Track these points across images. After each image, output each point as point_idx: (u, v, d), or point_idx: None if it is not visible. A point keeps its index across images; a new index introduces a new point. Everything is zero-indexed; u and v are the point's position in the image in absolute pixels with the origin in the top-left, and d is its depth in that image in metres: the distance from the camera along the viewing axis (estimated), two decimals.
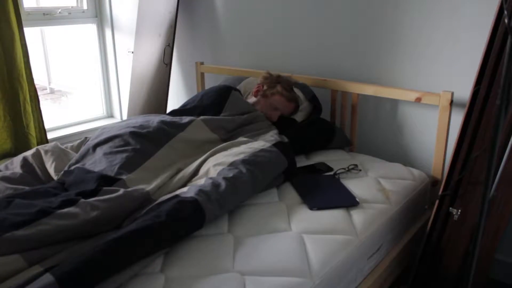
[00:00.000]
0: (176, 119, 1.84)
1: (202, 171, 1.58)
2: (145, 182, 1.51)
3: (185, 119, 1.84)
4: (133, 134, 1.67)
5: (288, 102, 2.08)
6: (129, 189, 1.42)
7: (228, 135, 1.88)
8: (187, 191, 1.39)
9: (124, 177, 1.50)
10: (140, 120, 1.81)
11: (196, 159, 1.69)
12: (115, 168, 1.52)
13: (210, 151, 1.68)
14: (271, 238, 1.33)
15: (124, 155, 1.58)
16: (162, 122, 1.77)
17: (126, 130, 1.69)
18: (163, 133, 1.72)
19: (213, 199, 1.35)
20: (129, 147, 1.62)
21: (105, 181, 1.46)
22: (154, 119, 1.80)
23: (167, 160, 1.65)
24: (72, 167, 1.58)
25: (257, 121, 1.98)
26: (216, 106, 1.99)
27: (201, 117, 1.88)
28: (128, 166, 1.55)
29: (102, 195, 1.36)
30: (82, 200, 1.31)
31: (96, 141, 1.68)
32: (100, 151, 1.63)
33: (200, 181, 1.48)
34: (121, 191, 1.38)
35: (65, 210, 1.25)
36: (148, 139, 1.68)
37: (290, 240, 1.32)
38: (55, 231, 1.19)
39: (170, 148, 1.69)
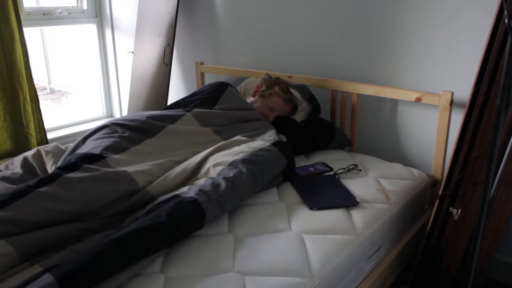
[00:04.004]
0: (166, 112, 1.85)
1: (202, 171, 1.58)
2: (129, 164, 1.51)
3: (176, 112, 1.85)
4: (121, 125, 1.71)
5: (285, 104, 2.09)
6: (109, 170, 1.42)
7: (222, 129, 1.87)
8: (187, 191, 1.39)
9: (108, 155, 1.50)
10: (128, 116, 1.83)
11: (189, 151, 1.69)
12: (100, 149, 1.54)
13: (210, 150, 1.67)
14: (271, 238, 1.33)
15: (111, 139, 1.61)
16: (151, 116, 1.79)
17: (114, 122, 1.74)
18: (152, 125, 1.74)
19: (213, 199, 1.35)
20: (117, 134, 1.65)
21: (88, 158, 1.47)
22: (143, 114, 1.82)
23: (156, 148, 1.66)
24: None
25: (255, 119, 1.98)
26: (211, 99, 2.01)
27: (193, 110, 1.89)
28: (114, 149, 1.56)
29: (81, 172, 1.37)
30: (60, 176, 1.32)
31: (85, 135, 1.71)
32: (89, 140, 1.66)
33: (200, 181, 1.48)
34: (101, 171, 1.39)
35: (43, 189, 1.26)
36: (137, 130, 1.70)
37: (290, 240, 1.32)
38: (36, 211, 1.20)
39: (159, 138, 1.71)
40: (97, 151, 1.52)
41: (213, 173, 1.52)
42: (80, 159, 1.45)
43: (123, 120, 1.75)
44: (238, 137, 1.79)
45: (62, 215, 1.25)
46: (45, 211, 1.22)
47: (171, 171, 1.55)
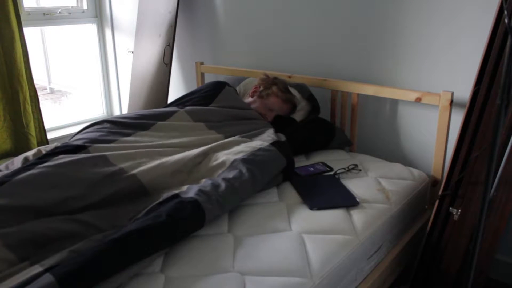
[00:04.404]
0: (158, 109, 1.88)
1: (202, 170, 1.57)
2: (109, 151, 1.53)
3: (169, 109, 1.88)
4: (111, 121, 1.74)
5: (284, 103, 2.08)
6: (87, 155, 1.44)
7: (216, 125, 1.87)
8: (186, 191, 1.39)
9: (90, 145, 1.53)
10: (121, 115, 1.86)
11: (182, 141, 1.69)
12: (83, 141, 1.57)
13: (208, 147, 1.66)
14: (271, 238, 1.33)
15: (98, 133, 1.64)
16: (143, 113, 1.82)
17: (105, 119, 1.78)
18: (143, 121, 1.76)
19: (213, 199, 1.34)
20: (105, 129, 1.68)
21: (69, 147, 1.50)
22: (136, 112, 1.85)
23: (147, 139, 1.68)
24: None
25: (251, 118, 1.98)
26: (207, 98, 2.03)
27: (186, 107, 1.90)
28: (99, 141, 1.59)
29: (59, 160, 1.40)
30: (37, 164, 1.35)
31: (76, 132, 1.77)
32: (77, 135, 1.70)
33: (200, 181, 1.48)
34: (78, 156, 1.42)
35: (21, 176, 1.29)
36: (128, 126, 1.73)
37: (290, 240, 1.32)
38: (17, 197, 1.23)
39: (149, 134, 1.73)
40: (80, 142, 1.55)
41: (215, 175, 1.52)
42: (61, 150, 1.49)
43: (115, 117, 1.79)
44: (236, 137, 1.79)
45: (42, 201, 1.25)
46: (25, 197, 1.24)
47: (165, 160, 1.53)
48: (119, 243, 1.10)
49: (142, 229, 1.16)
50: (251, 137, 1.83)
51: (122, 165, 1.45)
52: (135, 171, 1.44)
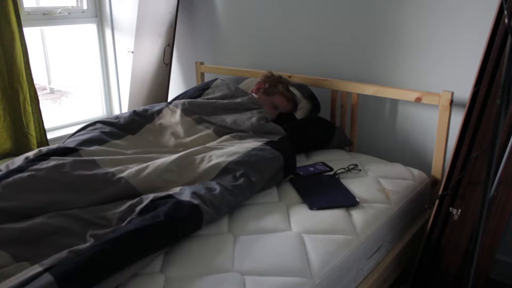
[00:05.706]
0: (148, 106, 1.92)
1: (196, 170, 1.55)
2: (99, 155, 1.54)
3: (158, 106, 1.93)
4: (104, 122, 1.78)
5: (288, 102, 2.11)
6: (77, 158, 1.45)
7: (204, 118, 1.87)
8: (180, 192, 1.38)
9: (81, 148, 1.55)
10: (115, 115, 1.89)
11: (171, 148, 1.71)
12: (76, 142, 1.59)
13: (200, 147, 1.66)
14: (271, 237, 1.33)
15: (90, 134, 1.67)
16: (134, 112, 1.86)
17: (98, 120, 1.81)
18: (134, 122, 1.80)
19: (208, 202, 1.34)
20: (97, 130, 1.71)
21: (60, 150, 1.52)
22: (129, 111, 1.89)
23: (137, 145, 1.69)
24: None
25: (240, 108, 1.99)
26: (199, 91, 2.09)
27: (175, 101, 1.94)
28: (91, 142, 1.61)
29: (49, 162, 1.41)
30: (27, 168, 1.37)
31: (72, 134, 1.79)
32: (71, 138, 1.73)
33: (193, 184, 1.48)
34: (68, 160, 1.43)
35: (10, 179, 1.31)
36: (118, 127, 1.76)
37: (290, 240, 1.32)
38: (4, 200, 1.25)
39: (141, 136, 1.76)
40: (72, 144, 1.57)
41: (209, 177, 1.51)
42: (52, 152, 1.50)
43: (108, 118, 1.82)
44: (228, 136, 1.78)
45: (31, 203, 1.26)
46: (13, 200, 1.25)
47: (153, 162, 1.53)
48: (118, 243, 1.10)
49: (141, 228, 1.16)
50: (240, 111, 1.83)
51: (111, 169, 1.46)
52: (123, 174, 1.44)
